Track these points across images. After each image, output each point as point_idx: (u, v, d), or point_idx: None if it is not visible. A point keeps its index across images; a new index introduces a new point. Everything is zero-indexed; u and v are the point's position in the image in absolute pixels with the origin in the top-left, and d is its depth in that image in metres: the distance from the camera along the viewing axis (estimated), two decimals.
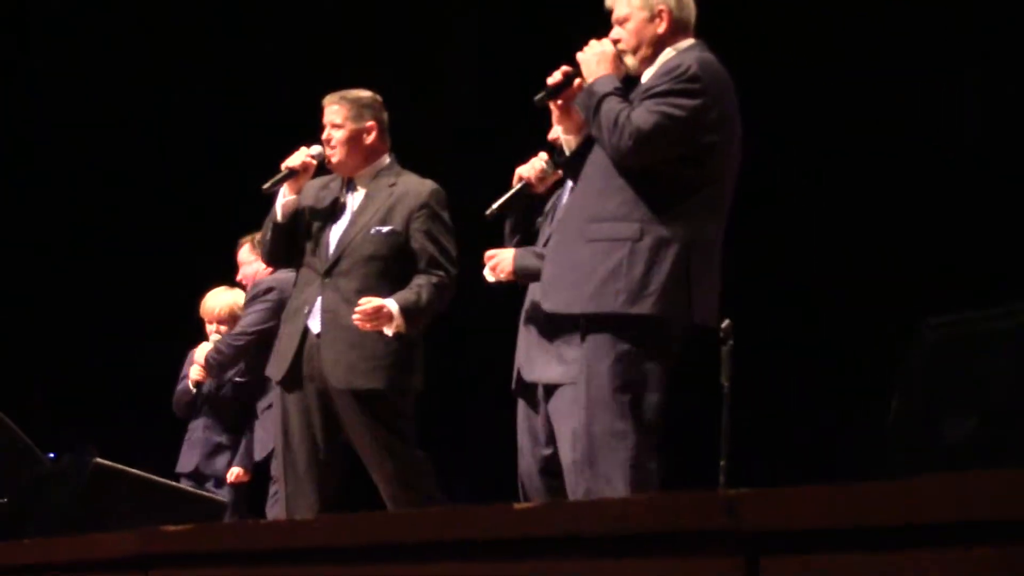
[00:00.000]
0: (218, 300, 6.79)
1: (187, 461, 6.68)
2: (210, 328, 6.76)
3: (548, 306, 4.22)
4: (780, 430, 6.77)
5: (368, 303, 4.91)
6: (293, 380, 5.07)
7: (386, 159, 5.25)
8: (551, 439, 4.58)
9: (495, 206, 4.78)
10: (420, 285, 5.04)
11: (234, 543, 3.07)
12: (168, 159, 9.10)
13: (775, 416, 6.76)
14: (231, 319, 6.70)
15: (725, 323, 5.03)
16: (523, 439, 4.72)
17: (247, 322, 6.39)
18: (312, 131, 5.27)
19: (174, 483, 4.88)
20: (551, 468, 4.61)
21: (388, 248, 5.09)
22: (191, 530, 3.28)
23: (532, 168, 4.81)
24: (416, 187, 5.19)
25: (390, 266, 5.08)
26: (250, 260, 6.60)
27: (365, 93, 5.27)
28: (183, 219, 8.83)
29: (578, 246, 4.13)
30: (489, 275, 4.82)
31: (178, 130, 9.14)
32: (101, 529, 3.69)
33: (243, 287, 6.66)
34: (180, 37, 9.14)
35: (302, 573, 2.81)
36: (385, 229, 5.10)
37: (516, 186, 4.82)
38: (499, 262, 4.80)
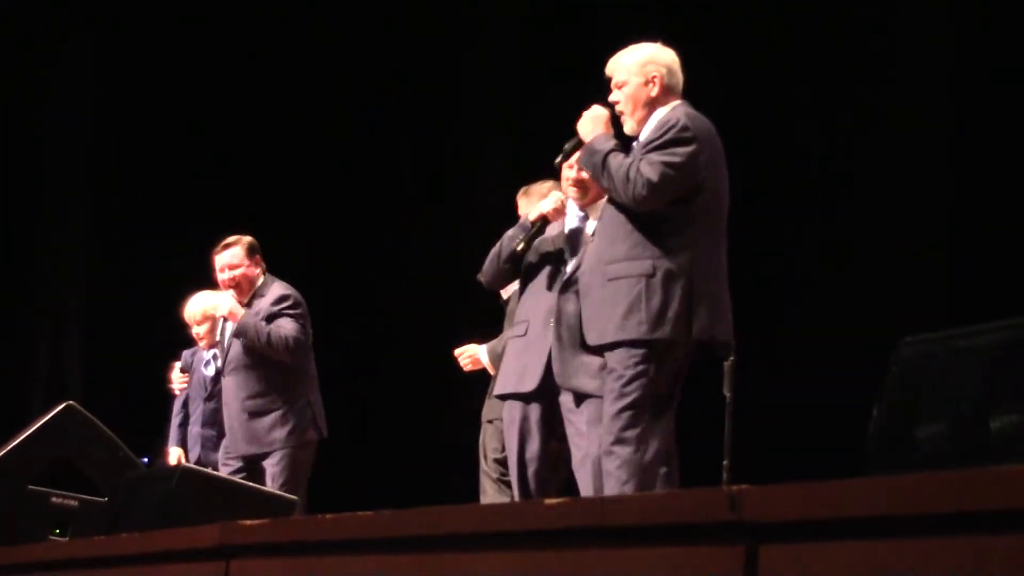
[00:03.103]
0: (199, 304, 6.63)
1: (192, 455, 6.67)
2: (195, 331, 6.66)
3: (589, 339, 4.37)
4: (776, 434, 6.79)
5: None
6: None
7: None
8: (563, 436, 4.71)
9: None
10: None
11: (305, 535, 3.08)
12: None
13: (772, 422, 6.78)
14: (204, 320, 6.55)
15: None
16: (536, 430, 4.81)
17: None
18: None
19: (251, 484, 4.92)
20: (554, 461, 4.80)
21: None
22: (267, 524, 3.31)
23: (552, 202, 4.90)
24: None
25: None
26: (246, 263, 6.15)
27: None
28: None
29: (602, 286, 4.31)
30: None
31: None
32: (188, 524, 3.73)
33: (223, 287, 6.17)
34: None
35: (366, 561, 2.82)
36: None
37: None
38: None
